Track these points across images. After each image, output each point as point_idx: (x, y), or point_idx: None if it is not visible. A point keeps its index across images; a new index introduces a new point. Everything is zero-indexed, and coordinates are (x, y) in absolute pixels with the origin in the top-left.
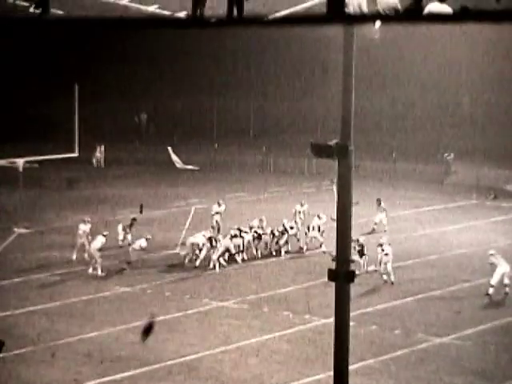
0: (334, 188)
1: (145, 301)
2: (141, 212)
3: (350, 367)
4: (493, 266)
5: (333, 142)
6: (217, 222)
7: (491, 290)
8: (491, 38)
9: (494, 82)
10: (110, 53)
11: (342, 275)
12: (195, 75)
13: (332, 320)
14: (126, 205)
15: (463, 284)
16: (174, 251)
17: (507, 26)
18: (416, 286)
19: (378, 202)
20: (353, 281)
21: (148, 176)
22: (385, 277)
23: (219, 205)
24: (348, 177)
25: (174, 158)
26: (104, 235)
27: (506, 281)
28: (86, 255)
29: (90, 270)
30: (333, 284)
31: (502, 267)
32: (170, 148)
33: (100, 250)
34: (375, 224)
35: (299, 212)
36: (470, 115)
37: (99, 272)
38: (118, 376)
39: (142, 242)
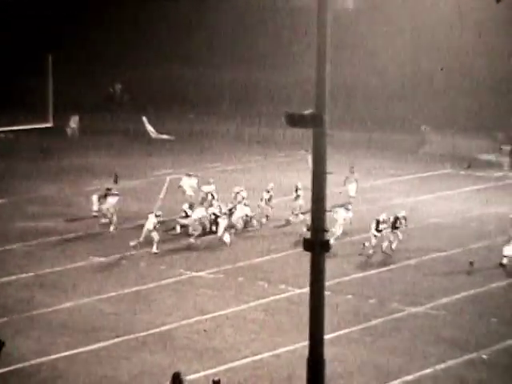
0: (309, 158)
1: (120, 271)
2: (115, 182)
3: (326, 337)
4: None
5: (307, 112)
6: (208, 199)
7: (505, 260)
8: (462, 9)
9: (466, 54)
10: (84, 23)
11: (317, 245)
12: (170, 45)
13: (307, 290)
14: (101, 175)
15: (438, 253)
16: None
17: None
18: (391, 256)
19: (352, 169)
20: (328, 251)
21: (122, 146)
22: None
23: (209, 183)
24: (322, 146)
25: (149, 127)
26: (157, 215)
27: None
28: (103, 220)
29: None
30: (308, 254)
31: None
32: (144, 118)
33: (154, 229)
34: (350, 197)
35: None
36: (444, 86)
37: (155, 249)
38: (93, 347)
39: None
